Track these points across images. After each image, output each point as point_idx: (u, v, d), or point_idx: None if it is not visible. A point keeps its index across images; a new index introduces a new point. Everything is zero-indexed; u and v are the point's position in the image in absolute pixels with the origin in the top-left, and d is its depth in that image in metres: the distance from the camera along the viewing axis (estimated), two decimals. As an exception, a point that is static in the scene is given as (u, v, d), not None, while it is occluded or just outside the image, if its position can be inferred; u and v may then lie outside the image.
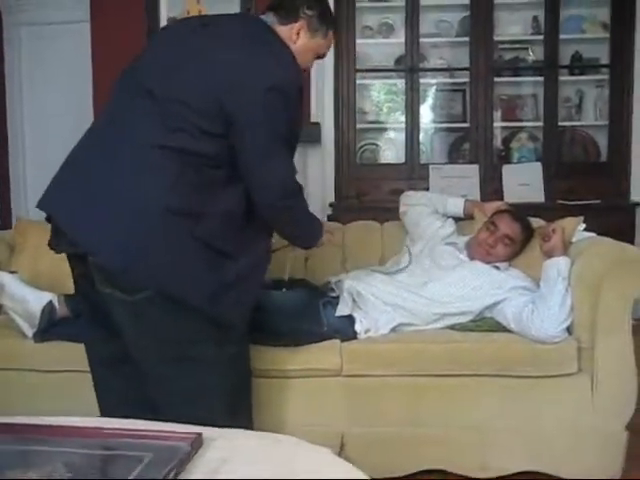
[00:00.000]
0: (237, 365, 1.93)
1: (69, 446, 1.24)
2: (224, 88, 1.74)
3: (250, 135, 1.76)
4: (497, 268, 2.47)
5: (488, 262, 2.48)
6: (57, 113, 5.14)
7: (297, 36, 1.91)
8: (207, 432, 1.27)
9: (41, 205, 1.83)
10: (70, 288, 2.44)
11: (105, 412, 1.98)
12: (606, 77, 4.48)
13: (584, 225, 2.52)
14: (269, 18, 1.91)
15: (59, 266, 2.61)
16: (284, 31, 1.90)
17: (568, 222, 2.50)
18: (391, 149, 4.75)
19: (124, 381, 1.94)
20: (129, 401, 1.91)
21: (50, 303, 2.32)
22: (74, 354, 2.31)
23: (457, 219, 2.77)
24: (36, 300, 2.31)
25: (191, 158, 1.74)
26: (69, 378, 2.33)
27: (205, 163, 1.76)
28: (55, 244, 1.87)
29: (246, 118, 1.75)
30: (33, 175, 5.27)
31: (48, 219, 1.86)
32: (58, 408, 2.06)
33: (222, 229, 1.79)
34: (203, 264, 1.77)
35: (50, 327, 2.33)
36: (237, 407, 1.92)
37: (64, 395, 2.31)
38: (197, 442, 1.22)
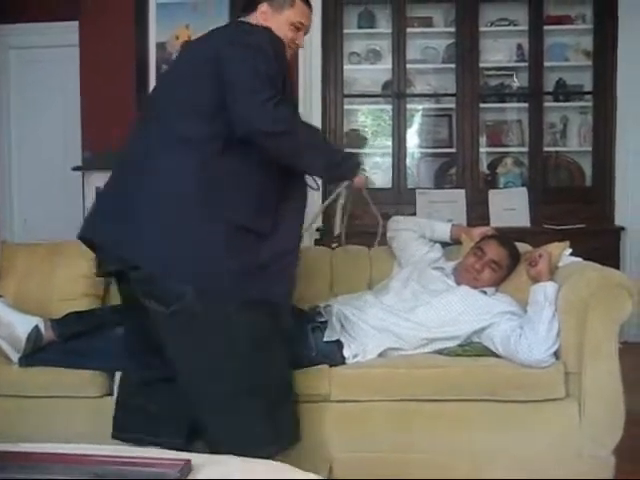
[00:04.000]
0: (276, 364, 2.00)
1: (55, 474, 1.23)
2: (213, 62, 1.90)
3: (233, 74, 1.86)
4: (484, 293, 2.48)
5: (475, 287, 2.49)
6: (45, 137, 5.14)
7: (264, 20, 2.07)
8: (196, 458, 1.26)
9: (82, 233, 1.98)
10: (56, 312, 2.44)
11: None
12: (590, 104, 4.56)
13: (570, 250, 2.54)
14: (243, 19, 2.12)
15: (45, 290, 2.61)
16: (252, 20, 2.09)
17: (554, 247, 2.52)
18: (378, 174, 4.78)
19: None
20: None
21: (36, 328, 2.30)
22: (59, 380, 2.30)
23: (444, 244, 2.78)
24: (22, 325, 2.29)
25: (194, 145, 1.87)
26: (54, 404, 2.31)
27: (211, 148, 1.87)
28: (98, 269, 2.10)
29: (228, 67, 1.86)
30: (20, 199, 5.26)
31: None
32: (43, 434, 2.04)
33: (251, 208, 1.90)
34: (233, 249, 1.86)
35: (36, 352, 2.31)
36: (277, 409, 2.00)
37: (49, 421, 2.29)
38: (186, 469, 1.21)
